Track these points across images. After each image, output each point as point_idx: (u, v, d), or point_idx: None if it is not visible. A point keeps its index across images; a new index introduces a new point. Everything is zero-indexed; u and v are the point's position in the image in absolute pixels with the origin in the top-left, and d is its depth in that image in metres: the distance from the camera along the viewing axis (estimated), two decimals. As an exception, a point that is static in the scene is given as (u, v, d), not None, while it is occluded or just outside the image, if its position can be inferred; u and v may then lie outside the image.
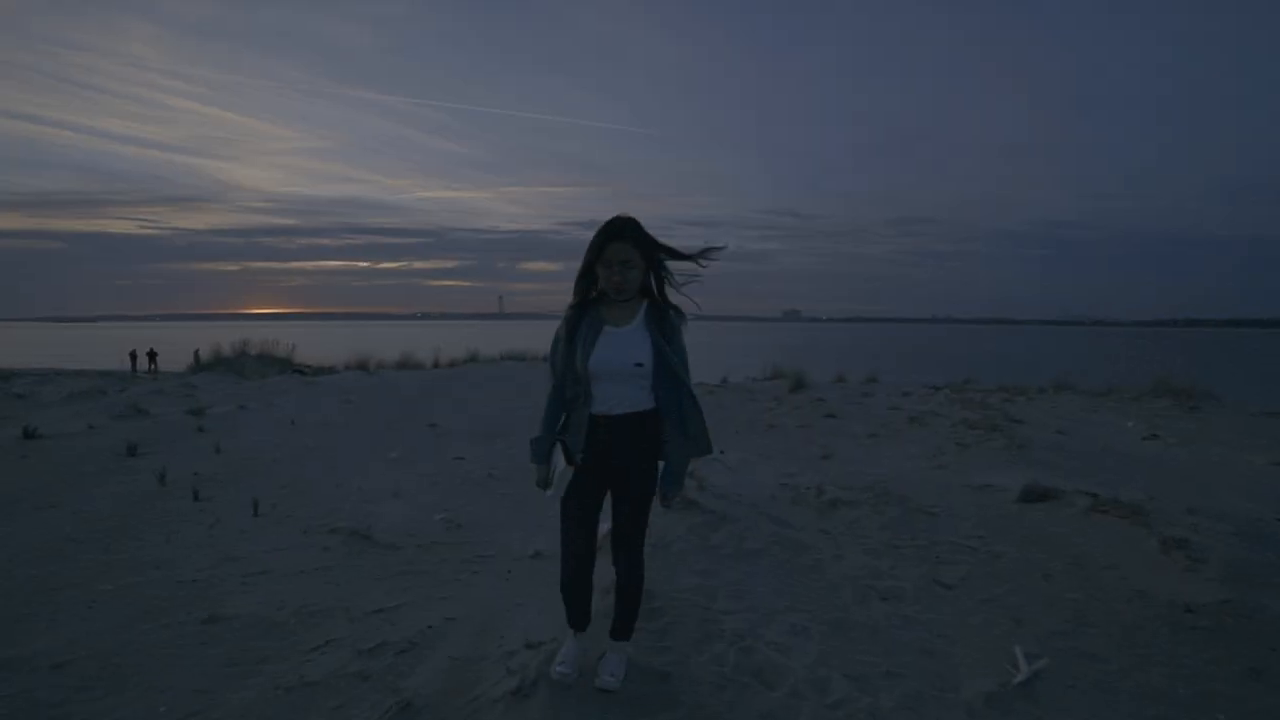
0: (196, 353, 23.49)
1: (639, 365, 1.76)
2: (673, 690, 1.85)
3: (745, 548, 2.85)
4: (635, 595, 1.91)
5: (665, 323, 1.80)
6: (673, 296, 1.85)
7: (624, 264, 1.73)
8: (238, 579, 2.90)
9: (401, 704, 1.83)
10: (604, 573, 2.07)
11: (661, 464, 1.85)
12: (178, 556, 3.16)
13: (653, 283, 1.82)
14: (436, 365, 12.58)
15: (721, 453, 5.40)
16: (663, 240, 1.80)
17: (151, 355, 23.16)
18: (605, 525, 2.05)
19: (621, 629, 1.93)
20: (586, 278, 1.80)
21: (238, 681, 2.07)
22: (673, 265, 1.83)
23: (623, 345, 1.77)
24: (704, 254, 1.83)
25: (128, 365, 23.13)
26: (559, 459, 1.79)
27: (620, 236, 1.72)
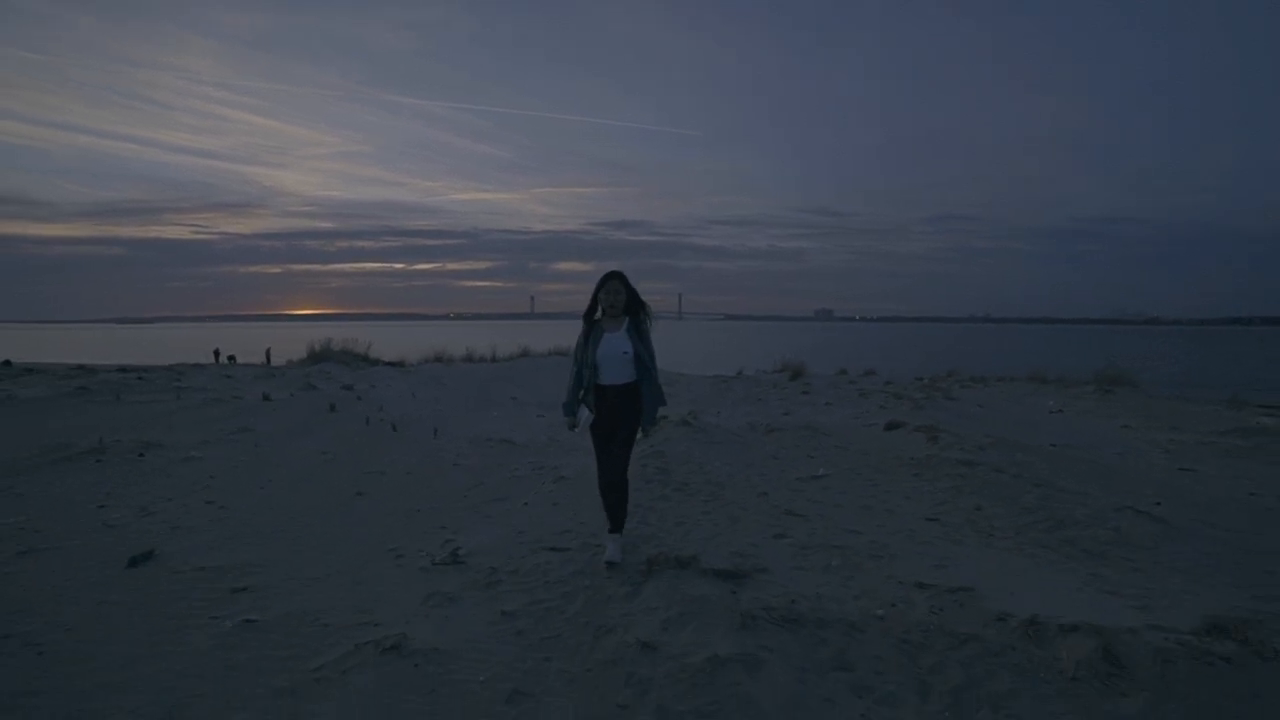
0: (268, 351, 27.45)
1: (625, 353, 3.16)
2: (668, 473, 4.80)
3: (711, 440, 5.79)
4: (624, 497, 3.23)
5: (639, 330, 3.25)
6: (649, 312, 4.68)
7: (616, 293, 3.21)
8: (453, 457, 5.99)
9: (559, 476, 4.86)
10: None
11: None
12: (410, 451, 6.27)
13: (632, 306, 3.27)
14: (494, 359, 15.81)
15: (719, 413, 8.34)
16: (634, 286, 3.69)
17: (231, 357, 27.26)
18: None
19: (617, 519, 3.22)
20: (594, 303, 3.27)
21: (484, 479, 5.14)
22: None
23: (616, 343, 3.18)
24: (645, 306, 3.31)
25: (212, 361, 27.22)
26: (584, 412, 3.18)
27: (615, 279, 3.23)
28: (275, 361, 20.68)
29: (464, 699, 2.08)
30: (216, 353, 26.96)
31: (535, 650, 2.37)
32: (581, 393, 3.27)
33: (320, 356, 15.21)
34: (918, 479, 4.74)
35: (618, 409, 3.20)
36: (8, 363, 19.56)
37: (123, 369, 12.02)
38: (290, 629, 2.58)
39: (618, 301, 3.22)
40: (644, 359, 3.22)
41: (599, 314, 3.32)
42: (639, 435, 3.32)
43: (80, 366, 17.63)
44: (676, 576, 2.80)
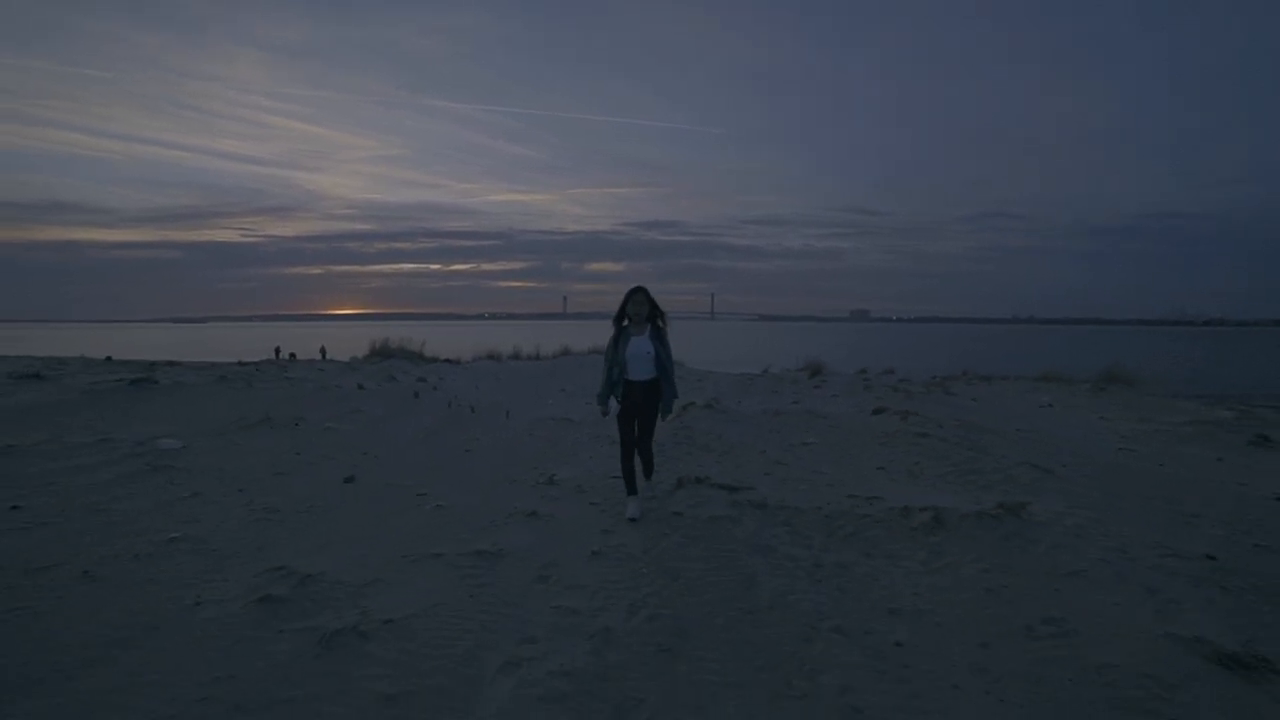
0: (323, 349, 30.07)
1: (648, 353, 4.13)
2: (694, 439, 6.62)
3: (728, 419, 7.59)
4: (650, 462, 4.56)
5: (660, 335, 4.27)
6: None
7: (640, 304, 4.20)
8: (527, 429, 7.93)
9: (612, 440, 6.73)
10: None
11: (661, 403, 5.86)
12: (491, 427, 8.23)
13: (654, 314, 4.34)
14: (538, 357, 17.85)
15: (739, 402, 10.12)
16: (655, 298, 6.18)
17: (291, 355, 30.07)
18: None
19: (647, 473, 4.62)
20: (622, 311, 4.28)
21: (556, 443, 7.06)
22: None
23: (641, 345, 4.15)
24: (663, 314, 4.36)
25: (272, 358, 30.05)
26: (613, 402, 4.33)
27: (639, 292, 4.23)
28: (333, 358, 23.18)
29: (576, 533, 3.95)
30: (277, 350, 29.80)
31: (612, 518, 4.23)
32: (610, 386, 4.25)
33: (387, 354, 17.47)
34: (882, 446, 6.46)
35: (642, 400, 4.18)
36: (109, 358, 22.52)
37: (240, 363, 14.40)
38: (466, 510, 4.51)
39: (641, 311, 4.19)
40: (663, 359, 4.18)
41: (626, 321, 4.24)
42: (659, 420, 4.36)
43: (171, 363, 20.36)
44: (695, 487, 4.63)
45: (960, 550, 3.50)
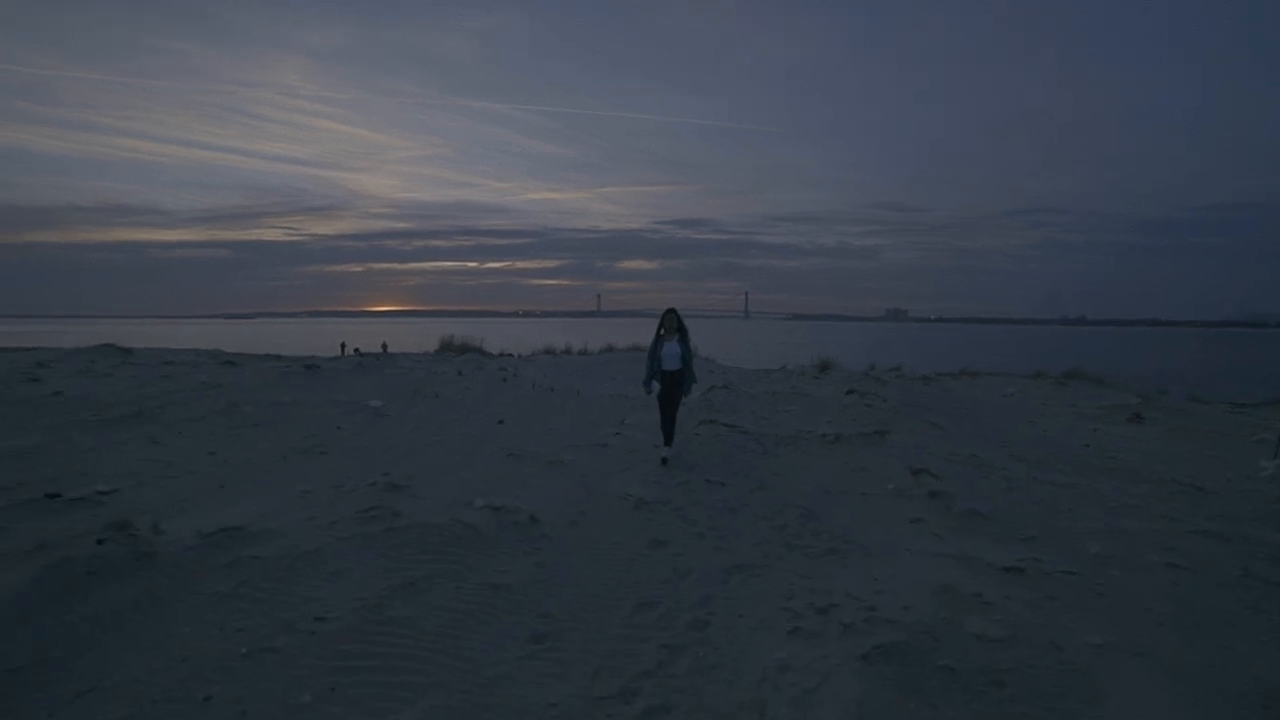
0: (384, 344, 34.48)
1: (676, 353, 6.95)
2: (712, 407, 10.31)
3: (737, 396, 11.27)
4: (673, 432, 7.09)
5: (684, 340, 7.12)
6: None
7: (671, 321, 7.06)
8: (596, 402, 11.76)
9: (650, 406, 10.51)
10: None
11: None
12: (568, 400, 12.09)
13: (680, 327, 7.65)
14: (584, 353, 21.74)
15: (750, 387, 13.78)
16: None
17: (356, 350, 34.58)
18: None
19: (669, 439, 7.15)
20: (660, 326, 7.24)
21: (619, 408, 10.87)
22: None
23: (671, 348, 6.99)
24: (685, 328, 7.39)
25: (338, 353, 34.44)
26: (655, 386, 7.38)
27: (671, 313, 7.13)
28: (393, 352, 27.41)
29: (643, 442, 7.78)
30: (343, 345, 34.39)
31: (659, 440, 7.96)
32: (650, 375, 7.21)
33: (460, 348, 21.58)
34: (837, 411, 10.05)
35: (671, 386, 6.99)
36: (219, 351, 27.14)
37: (360, 353, 18.62)
38: (578, 435, 8.32)
39: (672, 326, 7.09)
40: (686, 357, 7.02)
41: (662, 331, 7.16)
42: (683, 399, 7.19)
43: (270, 355, 24.91)
44: (708, 425, 8.37)
45: (843, 450, 7.14)
